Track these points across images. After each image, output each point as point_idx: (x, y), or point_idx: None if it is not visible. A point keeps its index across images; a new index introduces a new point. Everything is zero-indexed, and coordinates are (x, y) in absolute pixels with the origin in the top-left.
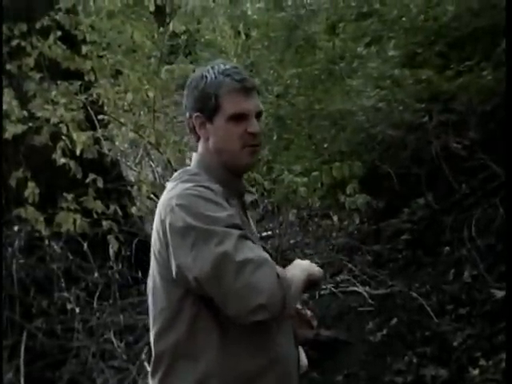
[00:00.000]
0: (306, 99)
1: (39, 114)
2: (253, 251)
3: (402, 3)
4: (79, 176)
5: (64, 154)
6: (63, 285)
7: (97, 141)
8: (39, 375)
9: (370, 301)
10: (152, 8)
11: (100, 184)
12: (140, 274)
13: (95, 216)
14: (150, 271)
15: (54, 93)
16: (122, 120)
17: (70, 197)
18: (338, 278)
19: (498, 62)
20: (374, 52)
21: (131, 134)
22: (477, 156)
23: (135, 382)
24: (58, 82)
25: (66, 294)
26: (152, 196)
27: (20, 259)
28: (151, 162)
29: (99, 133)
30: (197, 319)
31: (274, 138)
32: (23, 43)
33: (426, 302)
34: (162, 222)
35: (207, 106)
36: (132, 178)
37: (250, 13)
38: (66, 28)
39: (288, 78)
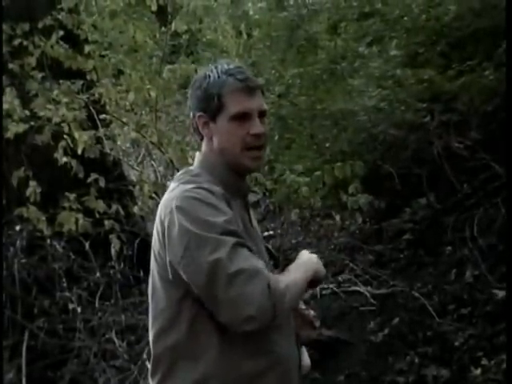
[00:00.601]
0: (308, 99)
1: (41, 114)
2: (246, 261)
3: (404, 3)
4: (81, 175)
5: (66, 154)
6: (65, 284)
7: (99, 140)
8: (41, 375)
9: (371, 300)
10: (154, 8)
11: (102, 183)
12: (142, 274)
13: (97, 216)
14: (151, 271)
15: (55, 92)
16: (124, 119)
17: (71, 196)
18: (340, 278)
19: (500, 62)
20: (375, 52)
21: (133, 134)
22: (478, 156)
23: (137, 382)
24: (60, 82)
25: (67, 294)
26: (154, 196)
27: (22, 259)
28: (153, 162)
29: (101, 132)
30: (196, 320)
31: (276, 137)
32: (25, 42)
33: (428, 302)
34: (162, 222)
35: (210, 105)
36: (134, 178)
37: (251, 12)
38: (68, 27)
39: (290, 77)
